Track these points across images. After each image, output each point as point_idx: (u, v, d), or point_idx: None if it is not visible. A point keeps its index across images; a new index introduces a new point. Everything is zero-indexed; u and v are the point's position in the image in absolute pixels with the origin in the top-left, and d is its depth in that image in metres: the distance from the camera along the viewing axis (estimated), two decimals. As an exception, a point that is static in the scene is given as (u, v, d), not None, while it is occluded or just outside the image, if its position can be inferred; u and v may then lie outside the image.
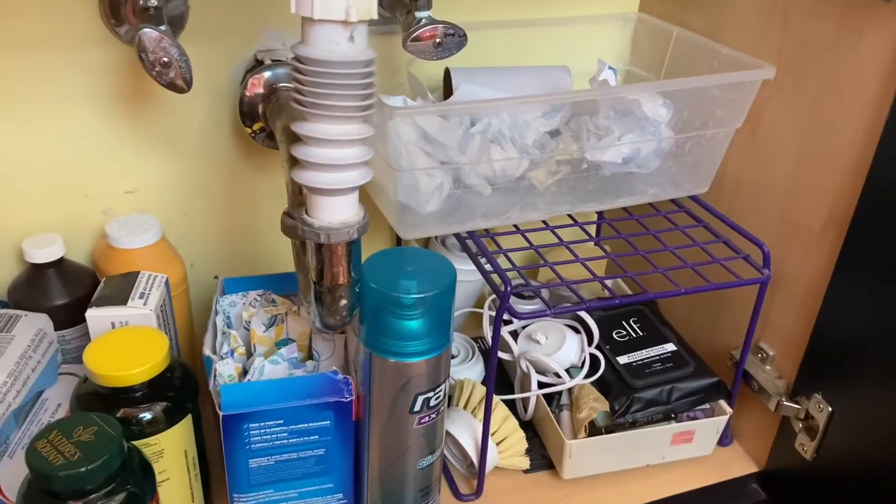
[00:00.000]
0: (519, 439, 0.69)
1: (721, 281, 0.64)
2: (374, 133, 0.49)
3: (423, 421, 0.57)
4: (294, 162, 0.50)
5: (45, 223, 0.70)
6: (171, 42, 0.54)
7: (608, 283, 0.67)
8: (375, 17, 0.45)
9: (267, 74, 0.67)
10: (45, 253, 0.67)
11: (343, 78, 0.45)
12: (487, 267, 0.63)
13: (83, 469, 0.48)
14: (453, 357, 0.80)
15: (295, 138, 0.48)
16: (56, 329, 0.67)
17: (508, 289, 0.58)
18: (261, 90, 0.67)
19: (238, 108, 0.67)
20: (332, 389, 0.57)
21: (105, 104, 0.67)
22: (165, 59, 0.54)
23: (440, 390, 0.57)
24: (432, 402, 0.57)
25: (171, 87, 0.55)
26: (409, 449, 0.58)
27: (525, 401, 0.75)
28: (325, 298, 0.52)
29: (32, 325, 0.64)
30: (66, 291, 0.68)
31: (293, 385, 0.57)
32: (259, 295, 0.69)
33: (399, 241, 0.83)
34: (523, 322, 0.79)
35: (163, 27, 0.55)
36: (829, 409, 0.64)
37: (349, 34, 0.44)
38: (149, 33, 0.53)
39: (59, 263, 0.68)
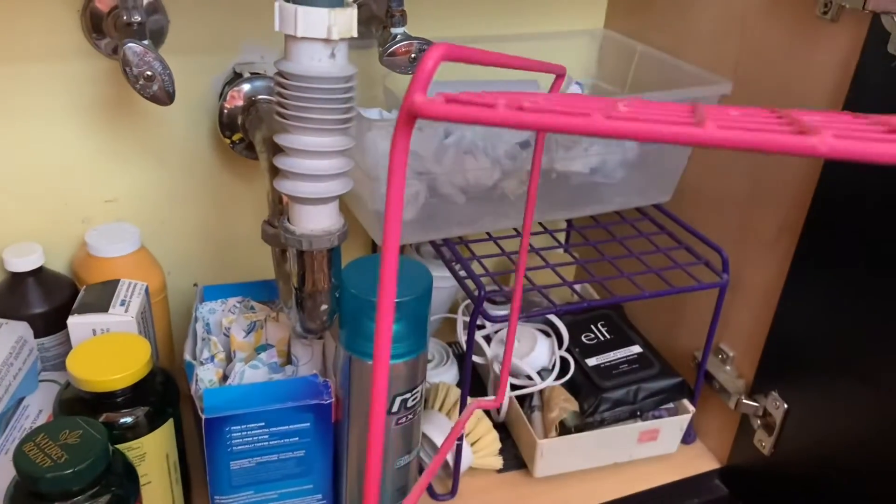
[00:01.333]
0: (493, 440, 0.72)
1: (683, 285, 0.67)
2: (353, 144, 0.51)
3: (400, 421, 0.59)
4: (276, 172, 0.52)
5: (24, 232, 0.71)
6: (154, 56, 0.56)
7: (577, 287, 0.70)
8: (356, 35, 0.47)
9: (246, 87, 0.69)
10: (24, 262, 0.67)
11: (324, 92, 0.47)
12: (461, 273, 0.65)
13: (70, 471, 0.49)
14: (429, 361, 0.82)
15: (277, 149, 0.51)
16: (35, 337, 0.68)
17: (482, 293, 0.61)
18: (240, 102, 0.68)
19: (218, 120, 0.69)
20: (313, 392, 0.59)
21: (85, 115, 0.69)
22: (149, 73, 0.56)
23: (417, 392, 0.59)
24: (409, 403, 0.59)
25: (155, 99, 0.57)
26: (387, 449, 0.60)
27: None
28: (306, 304, 0.54)
29: (13, 333, 0.65)
30: (46, 300, 0.69)
31: (274, 388, 0.59)
32: (238, 302, 0.70)
33: (374, 248, 0.85)
34: (496, 327, 0.81)
35: (146, 41, 0.57)
36: (785, 405, 0.68)
37: (331, 51, 0.47)
38: (133, 48, 0.55)
39: (39, 272, 0.69)
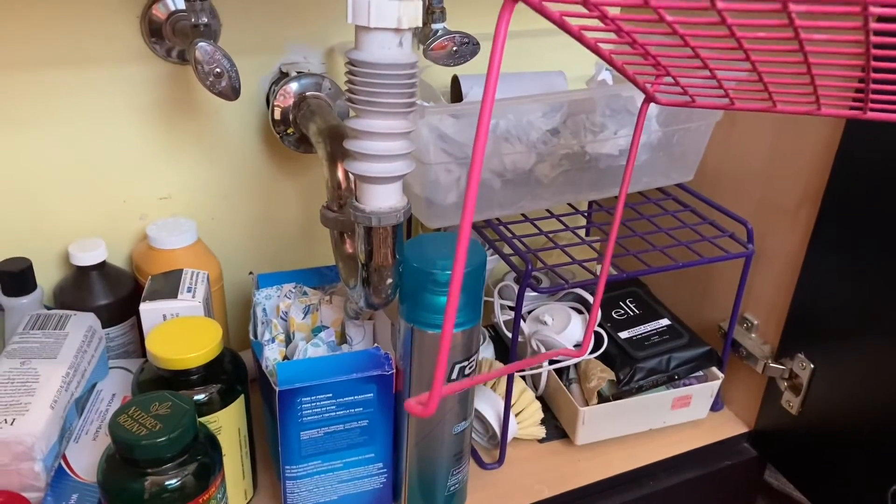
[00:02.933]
0: (535, 410, 0.76)
1: (711, 256, 0.72)
2: (415, 128, 0.55)
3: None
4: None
5: (85, 229, 0.75)
6: (223, 54, 0.60)
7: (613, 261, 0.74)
8: (420, 24, 0.51)
9: (294, 85, 0.73)
10: (89, 256, 0.71)
11: (393, 78, 0.51)
12: (506, 251, 0.69)
13: (164, 438, 0.53)
14: (466, 342, 0.86)
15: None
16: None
17: (529, 266, 0.65)
18: (291, 100, 0.73)
19: (270, 117, 0.73)
20: (375, 364, 0.63)
21: (143, 116, 0.73)
22: (218, 70, 0.60)
23: (473, 360, 0.63)
24: (467, 371, 0.63)
25: (223, 95, 0.61)
26: (445, 416, 0.64)
27: (536, 379, 0.81)
28: (372, 279, 0.59)
29: (83, 323, 0.69)
30: (110, 292, 0.73)
31: (339, 361, 0.63)
32: (293, 288, 0.74)
33: (410, 233, 0.89)
34: (530, 307, 0.86)
35: (212, 41, 0.61)
36: (812, 365, 0.72)
37: (399, 40, 0.51)
38: (204, 47, 0.59)
39: (102, 266, 0.73)
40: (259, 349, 0.66)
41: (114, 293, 0.73)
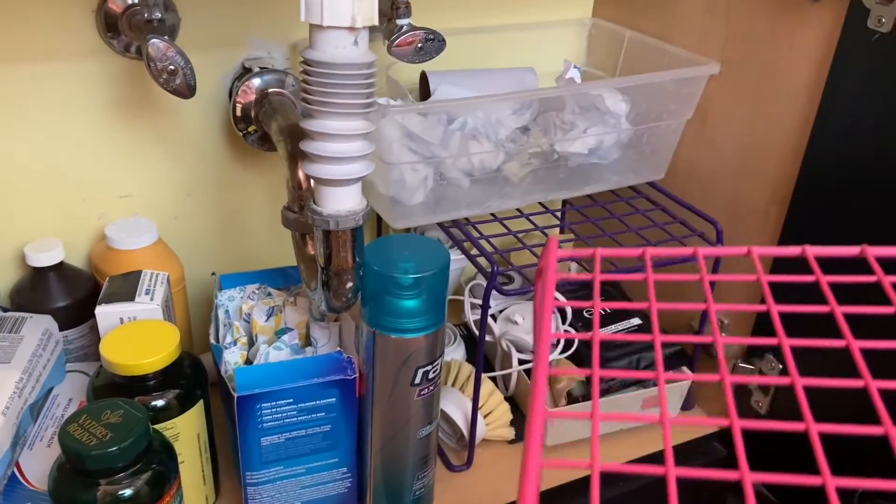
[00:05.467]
0: (504, 411, 0.75)
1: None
2: (373, 129, 0.54)
3: (422, 393, 0.62)
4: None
5: (43, 229, 0.73)
6: (176, 50, 0.58)
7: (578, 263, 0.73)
8: (377, 23, 0.50)
9: (256, 81, 0.71)
10: (46, 257, 0.70)
11: (349, 78, 0.50)
12: (473, 252, 0.68)
13: (115, 448, 0.51)
14: (436, 342, 0.85)
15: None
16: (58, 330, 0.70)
17: (495, 268, 0.64)
18: (252, 96, 0.71)
19: (231, 114, 0.72)
20: (337, 368, 0.62)
21: (101, 113, 0.71)
22: (172, 67, 0.58)
23: (437, 364, 0.62)
24: (430, 375, 0.62)
25: (177, 92, 0.60)
26: (410, 420, 0.63)
27: (506, 379, 0.81)
28: (332, 282, 0.57)
29: (39, 326, 0.67)
30: (67, 293, 0.71)
31: (301, 366, 0.62)
32: (256, 289, 0.73)
33: (379, 231, 0.88)
34: (501, 305, 0.85)
35: (166, 37, 0.59)
36: (780, 366, 0.72)
37: (354, 39, 0.49)
38: (156, 43, 0.57)
39: (60, 267, 0.71)
40: (218, 353, 0.64)
41: (72, 294, 0.71)
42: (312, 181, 0.54)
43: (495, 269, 0.64)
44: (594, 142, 0.73)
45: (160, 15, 0.59)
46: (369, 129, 0.53)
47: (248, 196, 0.80)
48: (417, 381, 0.61)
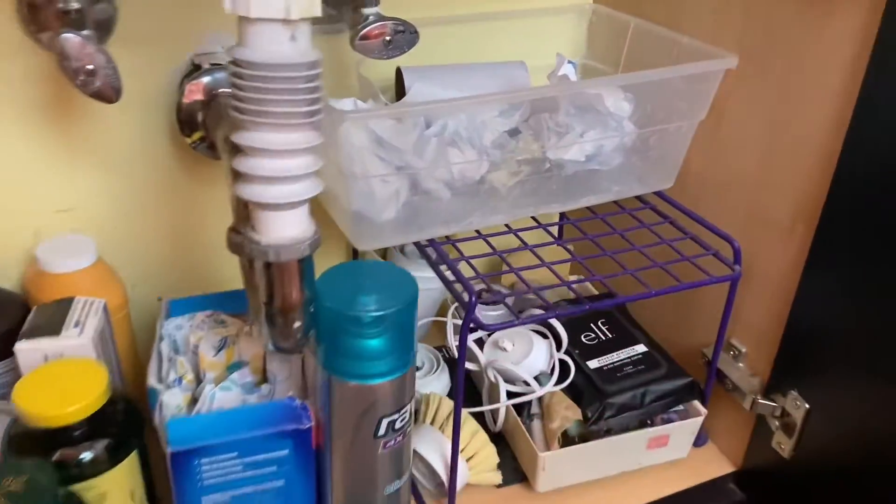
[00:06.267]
0: (490, 454, 0.66)
1: (691, 279, 0.62)
2: (323, 140, 0.45)
3: (388, 445, 0.54)
4: (237, 175, 0.45)
5: (-33, 248, 0.64)
6: (96, 48, 0.49)
7: (576, 286, 0.64)
8: (319, 13, 0.41)
9: (206, 80, 0.63)
10: (-32, 281, 0.61)
11: (286, 82, 0.41)
12: (450, 276, 0.59)
13: (11, 526, 0.43)
14: (418, 369, 0.76)
15: (237, 149, 0.44)
16: (-16, 363, 0.62)
17: (473, 299, 0.55)
18: (200, 97, 0.62)
19: (176, 117, 0.63)
20: (290, 417, 0.53)
21: (29, 117, 0.62)
22: (90, 67, 0.49)
23: (405, 411, 0.54)
24: (398, 425, 0.53)
25: (98, 96, 0.51)
26: (375, 476, 0.55)
27: (494, 411, 0.72)
28: (276, 320, 0.49)
29: (-43, 361, 0.59)
30: (-6, 322, 0.63)
31: (246, 414, 0.53)
32: (207, 316, 0.64)
33: (356, 252, 0.79)
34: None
35: (86, 31, 0.51)
36: (807, 406, 0.62)
37: (290, 33, 0.40)
38: (71, 39, 0.48)
39: (-15, 291, 0.63)
40: (154, 398, 0.56)
41: (-1, 323, 0.63)
42: (249, 205, 0.45)
43: (472, 299, 0.55)
44: (592, 147, 0.64)
45: (78, 5, 0.50)
46: (315, 142, 0.44)
47: (202, 210, 0.71)
48: (381, 432, 0.53)
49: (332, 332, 0.50)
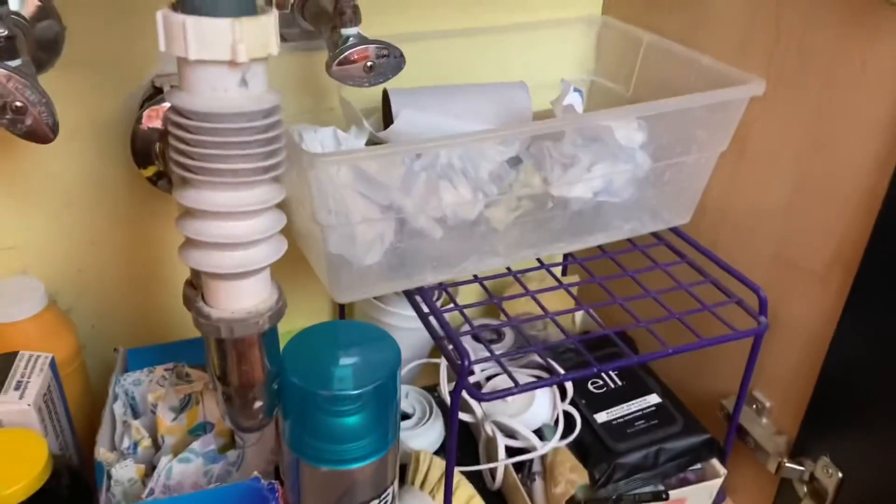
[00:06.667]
0: (486, 522, 0.60)
1: (712, 332, 0.55)
2: (283, 196, 0.38)
3: (368, 532, 0.47)
4: (184, 237, 0.39)
5: None
6: (25, 81, 0.42)
7: (584, 334, 0.57)
8: (275, 52, 0.34)
9: (166, 105, 0.55)
10: None
11: (236, 134, 0.34)
12: (440, 333, 0.52)
13: None
14: (408, 417, 0.70)
15: (182, 209, 0.37)
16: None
17: (466, 363, 0.48)
18: (158, 124, 0.55)
19: (130, 146, 0.56)
20: (255, 501, 0.47)
21: (-33, 148, 0.55)
22: (18, 104, 0.42)
23: (387, 494, 0.47)
24: (378, 510, 0.47)
25: (31, 136, 0.44)
26: (352, 563, 0.48)
27: (492, 469, 0.65)
28: (234, 401, 0.42)
29: None
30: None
31: (206, 499, 0.47)
32: (168, 370, 0.57)
33: (342, 309, 0.72)
34: (487, 372, 0.69)
35: (18, 61, 0.44)
36: (840, 474, 0.56)
37: (240, 77, 0.33)
38: (-8, 71, 0.41)
39: (-80, 342, 0.56)
40: (100, 473, 0.49)
41: (-64, 379, 0.56)
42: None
43: (466, 364, 0.48)
44: (601, 183, 0.56)
45: (6, 32, 0.43)
46: (274, 200, 0.37)
47: (163, 247, 0.64)
48: (360, 520, 0.46)
49: (300, 409, 0.43)
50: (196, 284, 0.45)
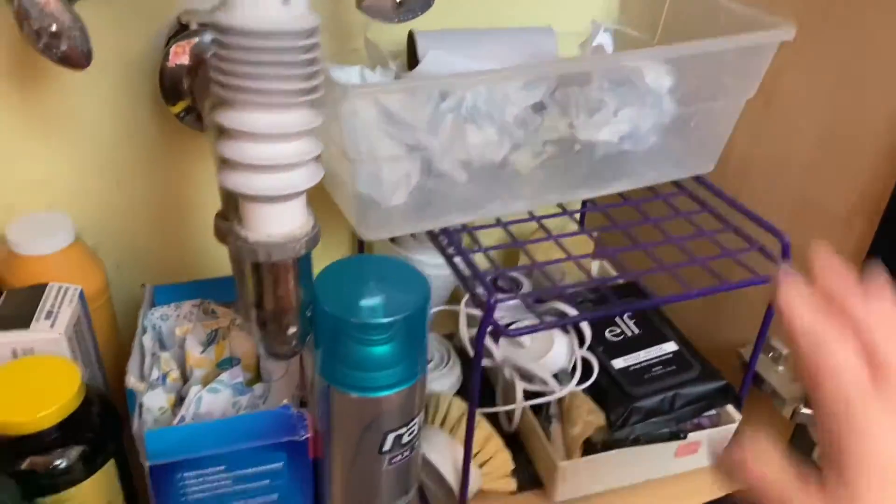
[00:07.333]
0: (504, 460, 0.61)
1: (731, 275, 0.55)
2: (322, 120, 0.38)
3: (394, 461, 0.48)
4: (222, 160, 0.39)
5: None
6: (62, 6, 0.42)
7: (603, 278, 0.58)
8: (318, -30, 0.34)
9: (193, 41, 0.55)
10: (-69, 262, 0.55)
11: (277, 53, 0.34)
12: (466, 273, 0.53)
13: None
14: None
15: (221, 130, 0.38)
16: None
17: (492, 301, 0.49)
18: (186, 61, 0.55)
19: (159, 82, 0.56)
20: (284, 427, 0.48)
21: (-3, 79, 0.55)
22: (54, 28, 0.42)
23: (414, 424, 0.48)
24: (405, 439, 0.48)
25: (66, 62, 0.44)
26: (379, 493, 0.49)
27: (509, 412, 0.66)
28: (269, 326, 0.42)
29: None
30: (-38, 308, 0.57)
31: (235, 425, 0.48)
32: (195, 305, 0.58)
33: (361, 244, 0.72)
34: (505, 320, 0.70)
35: (51, -15, 0.44)
36: (856, 419, 0.56)
37: (283, -5, 0.34)
38: (29, -6, 0.41)
39: (-49, 274, 0.57)
40: (132, 400, 0.50)
41: (-33, 310, 0.57)
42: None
43: (492, 301, 0.49)
44: (628, 127, 0.57)
45: (40, -45, 0.43)
46: (313, 124, 0.37)
47: (191, 186, 0.65)
48: (387, 447, 0.47)
49: (331, 337, 0.44)
50: (226, 214, 0.46)
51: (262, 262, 0.39)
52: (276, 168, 0.37)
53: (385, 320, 0.43)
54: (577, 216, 0.76)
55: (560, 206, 0.62)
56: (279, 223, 0.39)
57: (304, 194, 0.39)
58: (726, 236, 0.59)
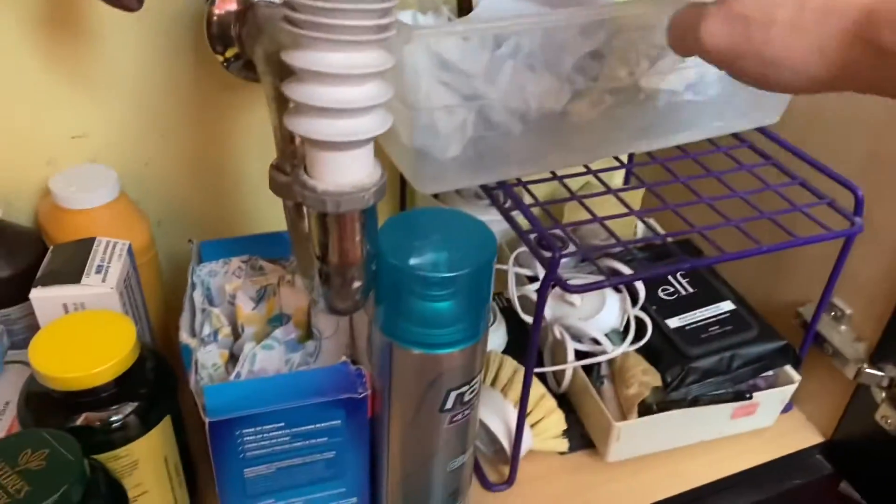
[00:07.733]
0: (557, 420, 0.60)
1: (803, 232, 0.53)
2: (392, 63, 0.36)
3: (455, 419, 0.47)
4: (286, 103, 0.37)
5: (-26, 178, 0.57)
6: (113, -57, 0.40)
7: (665, 235, 0.56)
8: None
9: (240, -14, 0.53)
10: (-25, 215, 0.54)
11: (354, -14, 0.32)
12: (524, 224, 0.51)
13: (31, 513, 0.37)
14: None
15: (286, 71, 0.36)
16: (-2, 308, 0.55)
17: (557, 255, 0.47)
18: (233, 6, 0.53)
19: (206, 30, 0.54)
20: (344, 384, 0.47)
21: (37, 32, 0.53)
22: (106, -33, 0.40)
23: (475, 383, 0.47)
24: (466, 398, 0.46)
25: (118, 4, 0.42)
26: (437, 451, 0.48)
27: (559, 372, 0.65)
28: (333, 280, 0.41)
29: (-33, 306, 0.52)
30: (8, 261, 0.56)
31: (294, 382, 0.47)
32: (243, 262, 0.57)
33: (404, 200, 0.71)
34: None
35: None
36: (925, 380, 0.55)
37: (361, -78, 0.31)
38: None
39: (-5, 227, 0.56)
40: (188, 356, 0.49)
41: (12, 262, 0.56)
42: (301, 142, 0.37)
43: (557, 256, 0.47)
44: (695, 75, 0.54)
45: None
46: (386, 65, 0.35)
47: (236, 140, 0.63)
48: (448, 406, 0.46)
49: (395, 292, 0.43)
50: (290, 155, 0.44)
51: (329, 212, 0.37)
52: (348, 112, 0.35)
53: (449, 275, 0.41)
54: (641, 172, 0.73)
55: (617, 159, 0.60)
56: (349, 172, 0.37)
57: (373, 142, 0.38)
58: (792, 190, 0.57)
